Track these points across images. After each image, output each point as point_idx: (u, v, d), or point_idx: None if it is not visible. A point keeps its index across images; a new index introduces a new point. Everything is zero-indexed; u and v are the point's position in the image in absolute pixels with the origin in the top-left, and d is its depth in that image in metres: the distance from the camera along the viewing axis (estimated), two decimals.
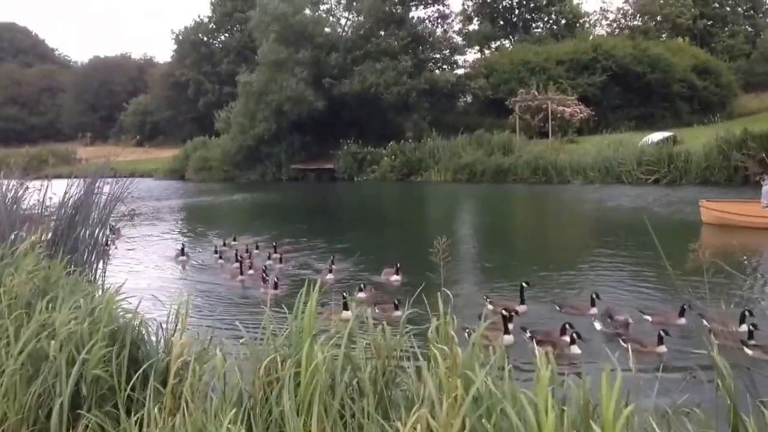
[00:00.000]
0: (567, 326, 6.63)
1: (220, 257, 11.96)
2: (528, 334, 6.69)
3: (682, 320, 7.13)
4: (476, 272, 11.05)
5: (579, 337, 6.34)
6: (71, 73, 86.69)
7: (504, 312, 6.79)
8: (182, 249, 12.36)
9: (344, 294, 7.63)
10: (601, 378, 2.36)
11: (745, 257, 10.96)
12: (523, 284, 7.99)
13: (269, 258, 11.52)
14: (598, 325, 7.16)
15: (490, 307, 7.83)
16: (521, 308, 7.62)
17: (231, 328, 6.14)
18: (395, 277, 9.67)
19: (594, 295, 7.76)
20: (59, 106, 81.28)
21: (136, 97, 70.99)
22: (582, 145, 33.04)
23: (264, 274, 9.71)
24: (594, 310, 7.60)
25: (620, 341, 6.47)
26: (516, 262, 12.03)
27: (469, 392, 2.57)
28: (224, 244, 13.23)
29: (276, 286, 8.84)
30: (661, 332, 6.31)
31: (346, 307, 6.96)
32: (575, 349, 6.26)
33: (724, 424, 2.74)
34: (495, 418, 2.50)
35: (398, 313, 7.11)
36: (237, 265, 10.87)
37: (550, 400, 2.38)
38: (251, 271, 10.34)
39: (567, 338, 6.46)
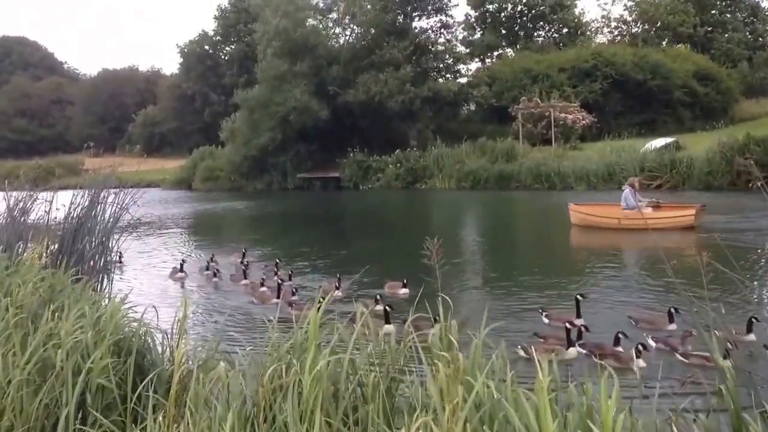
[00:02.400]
0: (621, 336, 6.31)
1: (215, 275, 11.19)
2: (580, 348, 6.40)
3: (752, 336, 6.56)
4: (483, 280, 10.95)
5: (645, 348, 5.98)
6: (80, 86, 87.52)
7: (567, 325, 6.55)
8: (181, 265, 11.62)
9: (387, 307, 7.34)
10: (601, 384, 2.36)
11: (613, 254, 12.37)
12: (578, 297, 7.56)
13: (275, 274, 10.85)
14: (651, 342, 6.63)
15: (546, 321, 7.58)
16: (578, 322, 7.18)
17: (237, 340, 6.16)
18: (403, 291, 9.31)
19: (673, 310, 7.20)
20: (68, 118, 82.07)
21: (144, 109, 71.57)
22: (585, 151, 33.11)
23: (293, 294, 9.18)
24: (672, 327, 7.08)
25: (677, 355, 6.16)
26: (521, 269, 11.94)
27: (470, 398, 2.58)
28: (212, 259, 12.23)
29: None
30: (729, 346, 5.78)
31: (388, 321, 6.79)
32: (641, 363, 5.86)
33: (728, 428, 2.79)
34: (497, 424, 2.52)
35: (388, 327, 6.69)
36: (246, 282, 10.42)
37: (551, 405, 2.39)
38: (264, 288, 9.79)
39: (621, 349, 6.21)
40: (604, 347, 6.33)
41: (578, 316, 7.39)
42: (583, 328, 6.71)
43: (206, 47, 63.11)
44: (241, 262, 11.88)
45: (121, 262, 11.93)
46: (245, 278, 10.73)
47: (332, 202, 33.19)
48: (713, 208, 16.33)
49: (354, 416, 2.92)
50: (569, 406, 2.58)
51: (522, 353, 6.21)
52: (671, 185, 25.78)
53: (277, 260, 11.87)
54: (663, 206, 15.58)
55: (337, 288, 9.41)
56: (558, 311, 7.84)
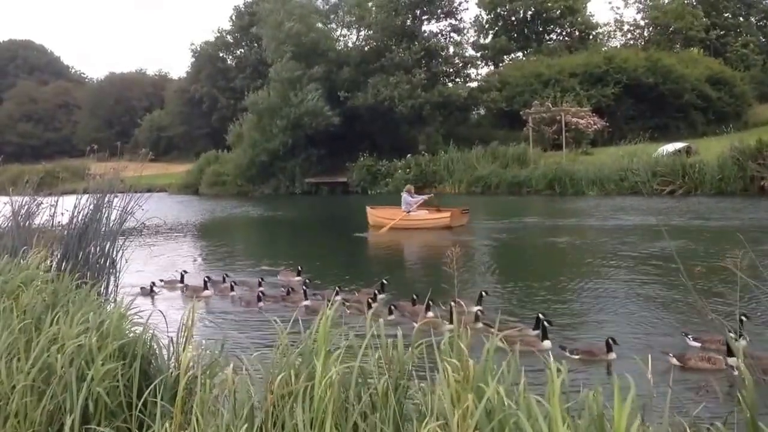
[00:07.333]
0: None
1: (260, 299, 9.53)
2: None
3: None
4: (495, 286, 10.74)
5: None
6: (87, 90, 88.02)
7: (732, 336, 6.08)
8: (206, 283, 10.39)
9: (541, 317, 6.75)
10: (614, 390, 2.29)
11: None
12: (743, 317, 6.69)
13: (314, 296, 9.37)
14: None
15: (695, 343, 6.81)
16: (744, 343, 6.47)
17: (242, 343, 6.06)
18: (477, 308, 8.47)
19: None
20: (75, 122, 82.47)
21: (151, 113, 71.92)
22: (597, 156, 32.95)
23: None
24: None
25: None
26: (530, 274, 11.84)
27: (480, 404, 2.53)
28: (224, 279, 10.89)
29: None
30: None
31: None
32: None
33: None
34: (508, 430, 2.47)
35: (547, 343, 6.44)
36: (307, 304, 8.73)
37: (563, 412, 2.34)
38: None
39: None
40: None
41: (741, 336, 6.62)
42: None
43: (218, 50, 63.15)
44: (304, 282, 10.13)
45: (183, 280, 10.85)
46: (306, 299, 9.06)
47: (343, 206, 33.04)
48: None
49: (363, 423, 2.87)
50: (581, 413, 2.52)
51: (675, 361, 6.02)
52: (684, 191, 25.54)
53: (307, 281, 10.13)
54: (442, 209, 18.97)
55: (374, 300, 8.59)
56: (708, 335, 7.02)
